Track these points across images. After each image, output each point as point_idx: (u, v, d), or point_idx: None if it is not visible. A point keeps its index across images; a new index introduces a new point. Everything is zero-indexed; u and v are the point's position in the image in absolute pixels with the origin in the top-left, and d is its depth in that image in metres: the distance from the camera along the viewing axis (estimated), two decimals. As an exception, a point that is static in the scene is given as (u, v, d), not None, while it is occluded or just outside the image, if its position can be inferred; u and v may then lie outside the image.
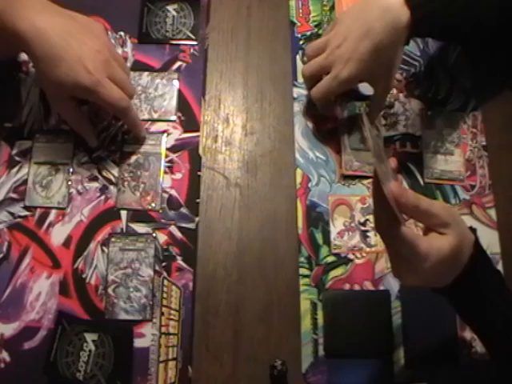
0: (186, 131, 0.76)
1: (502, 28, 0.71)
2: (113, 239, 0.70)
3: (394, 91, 0.78)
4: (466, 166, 0.75)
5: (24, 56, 0.77)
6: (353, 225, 0.72)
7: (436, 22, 0.67)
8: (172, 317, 0.68)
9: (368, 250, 0.71)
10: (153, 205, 0.72)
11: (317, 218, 0.72)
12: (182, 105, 0.77)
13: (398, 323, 0.68)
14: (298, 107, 0.77)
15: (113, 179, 0.73)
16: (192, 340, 0.67)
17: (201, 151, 0.75)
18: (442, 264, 0.52)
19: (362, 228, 0.72)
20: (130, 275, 0.69)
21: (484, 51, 0.80)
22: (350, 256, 0.71)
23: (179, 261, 0.70)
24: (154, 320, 0.67)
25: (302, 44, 0.80)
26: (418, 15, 0.64)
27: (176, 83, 0.78)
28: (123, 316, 0.67)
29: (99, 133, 0.74)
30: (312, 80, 0.72)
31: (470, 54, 0.80)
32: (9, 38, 0.64)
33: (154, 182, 0.73)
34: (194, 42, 0.80)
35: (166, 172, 0.73)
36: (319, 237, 0.72)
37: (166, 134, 0.75)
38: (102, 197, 0.72)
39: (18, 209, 0.71)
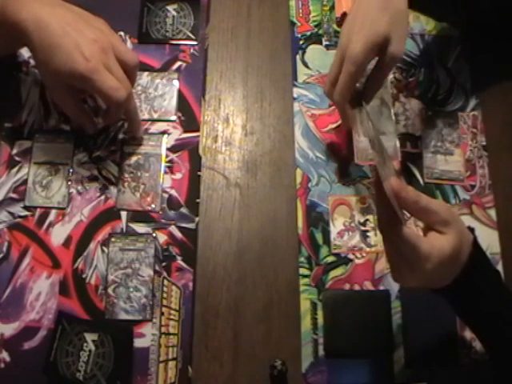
0: (186, 131, 0.76)
1: (502, 15, 0.70)
2: (113, 239, 0.70)
3: (394, 91, 0.78)
4: (465, 166, 0.75)
5: (24, 56, 0.78)
6: (353, 225, 0.72)
7: None
8: (172, 317, 0.68)
9: (368, 249, 0.71)
10: (153, 206, 0.72)
11: (317, 218, 0.72)
12: (182, 105, 0.77)
13: (397, 323, 0.68)
14: (297, 107, 0.77)
15: (113, 179, 0.73)
16: (192, 340, 0.67)
17: (201, 151, 0.75)
18: (443, 264, 0.52)
19: (362, 228, 0.72)
20: (129, 275, 0.69)
21: (485, 39, 0.79)
22: (350, 256, 0.71)
23: (179, 261, 0.70)
24: (154, 320, 0.67)
25: (302, 44, 0.80)
26: None
27: (176, 83, 0.78)
28: (123, 316, 0.67)
29: (99, 133, 0.74)
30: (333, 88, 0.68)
31: (470, 54, 0.80)
32: (10, 30, 0.64)
33: (154, 182, 0.73)
34: (194, 42, 0.80)
35: (166, 172, 0.73)
36: (319, 237, 0.72)
37: (166, 135, 0.75)
38: (102, 197, 0.72)
39: (18, 209, 0.71)
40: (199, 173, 0.74)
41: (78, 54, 0.63)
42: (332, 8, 0.83)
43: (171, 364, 0.66)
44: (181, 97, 0.77)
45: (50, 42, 0.63)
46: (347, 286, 0.70)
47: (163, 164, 0.74)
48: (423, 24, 0.83)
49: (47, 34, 0.63)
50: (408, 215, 0.54)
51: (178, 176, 0.74)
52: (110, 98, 0.65)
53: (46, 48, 0.63)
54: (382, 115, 0.73)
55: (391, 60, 0.66)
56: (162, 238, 0.71)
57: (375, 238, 0.72)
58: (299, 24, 0.82)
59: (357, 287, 0.70)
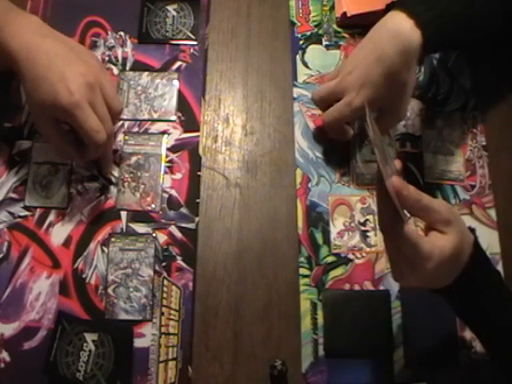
0: (186, 131, 0.76)
1: (506, 34, 0.71)
2: (113, 239, 0.70)
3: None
4: (466, 166, 0.75)
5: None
6: (353, 225, 0.72)
7: (447, 37, 0.66)
8: (172, 317, 0.68)
9: (368, 249, 0.71)
10: (153, 206, 0.72)
11: (317, 218, 0.72)
12: (182, 105, 0.77)
13: (398, 323, 0.68)
14: (297, 107, 0.77)
15: (113, 179, 0.73)
16: (192, 340, 0.67)
17: (201, 151, 0.75)
18: (444, 264, 0.52)
19: (362, 228, 0.72)
20: (129, 275, 0.69)
21: (487, 55, 0.80)
22: (350, 256, 0.71)
23: (179, 261, 0.70)
24: (154, 320, 0.67)
25: (302, 44, 0.80)
26: (429, 33, 0.62)
27: (176, 83, 0.78)
28: (123, 316, 0.67)
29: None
30: (322, 104, 0.72)
31: (470, 54, 0.80)
32: (2, 55, 0.64)
33: (154, 182, 0.73)
34: (194, 42, 0.80)
35: (166, 172, 0.73)
36: (319, 237, 0.72)
37: (166, 135, 0.75)
38: (102, 197, 0.72)
39: (17, 209, 0.71)
40: (199, 173, 0.74)
41: (63, 86, 0.62)
42: (332, 8, 0.82)
43: (171, 364, 0.66)
44: (181, 97, 0.77)
45: (36, 73, 0.63)
46: (347, 286, 0.70)
47: (163, 164, 0.74)
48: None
49: (34, 64, 0.63)
50: (409, 215, 0.54)
51: (178, 176, 0.74)
52: (89, 138, 0.65)
53: (33, 78, 0.63)
54: (384, 142, 0.73)
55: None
56: (162, 238, 0.71)
57: (375, 237, 0.72)
58: (299, 24, 0.82)
59: (357, 287, 0.70)
